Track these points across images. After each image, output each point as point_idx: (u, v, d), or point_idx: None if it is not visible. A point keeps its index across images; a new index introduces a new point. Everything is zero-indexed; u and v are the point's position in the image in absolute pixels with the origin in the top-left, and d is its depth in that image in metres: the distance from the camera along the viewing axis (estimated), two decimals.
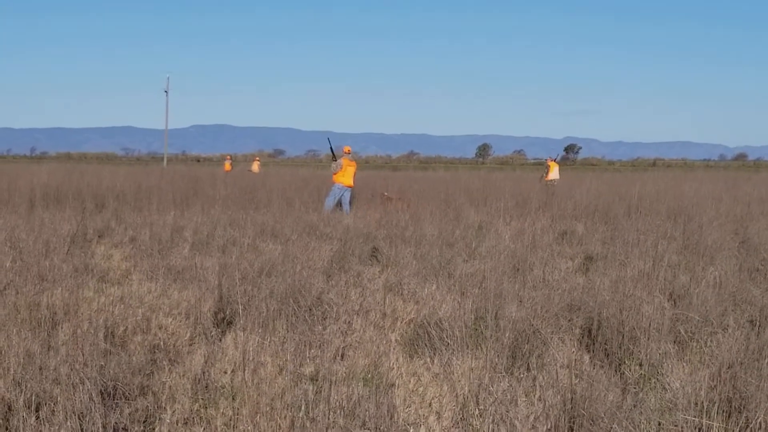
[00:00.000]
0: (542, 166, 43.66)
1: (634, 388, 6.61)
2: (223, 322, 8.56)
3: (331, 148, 23.47)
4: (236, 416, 5.75)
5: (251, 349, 6.92)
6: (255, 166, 48.53)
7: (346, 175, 22.48)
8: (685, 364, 7.27)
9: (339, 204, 22.15)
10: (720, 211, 19.56)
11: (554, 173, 34.41)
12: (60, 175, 31.17)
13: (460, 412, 6.14)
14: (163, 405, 6.09)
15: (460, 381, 6.73)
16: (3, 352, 6.83)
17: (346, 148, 23.27)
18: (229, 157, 60.45)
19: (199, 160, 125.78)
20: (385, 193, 25.33)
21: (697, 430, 5.40)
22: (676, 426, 5.50)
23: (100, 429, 5.31)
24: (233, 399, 6.15)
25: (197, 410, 6.10)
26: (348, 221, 17.25)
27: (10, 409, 5.66)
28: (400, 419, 6.00)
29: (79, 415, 5.34)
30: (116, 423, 5.58)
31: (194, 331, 8.30)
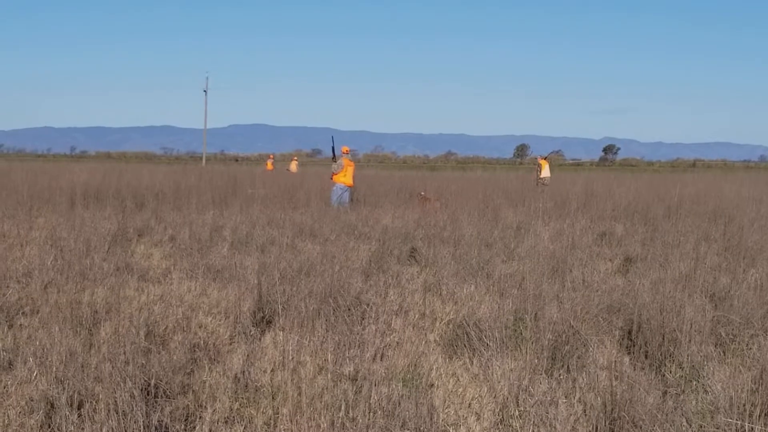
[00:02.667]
0: (534, 165, 43.30)
1: (675, 390, 6.56)
2: (263, 321, 8.61)
3: (333, 147, 23.48)
4: (276, 415, 5.78)
5: (291, 348, 6.93)
6: (293, 166, 48.65)
7: (347, 175, 22.53)
8: (726, 366, 7.21)
9: (340, 204, 22.05)
10: (761, 213, 19.39)
11: (546, 171, 34.36)
12: (100, 174, 31.49)
13: (500, 413, 6.13)
14: (204, 404, 6.13)
15: (499, 382, 6.70)
16: (45, 349, 6.91)
17: (345, 148, 23.24)
18: (271, 156, 60.95)
19: (237, 160, 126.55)
20: (422, 193, 25.32)
21: None
22: (717, 429, 5.46)
23: (142, 427, 5.36)
24: (273, 398, 6.18)
25: (237, 409, 6.15)
26: (386, 221, 17.25)
27: (52, 406, 5.73)
28: (440, 420, 6.00)
29: (121, 413, 5.39)
30: (158, 421, 5.63)
31: (234, 330, 8.35)
